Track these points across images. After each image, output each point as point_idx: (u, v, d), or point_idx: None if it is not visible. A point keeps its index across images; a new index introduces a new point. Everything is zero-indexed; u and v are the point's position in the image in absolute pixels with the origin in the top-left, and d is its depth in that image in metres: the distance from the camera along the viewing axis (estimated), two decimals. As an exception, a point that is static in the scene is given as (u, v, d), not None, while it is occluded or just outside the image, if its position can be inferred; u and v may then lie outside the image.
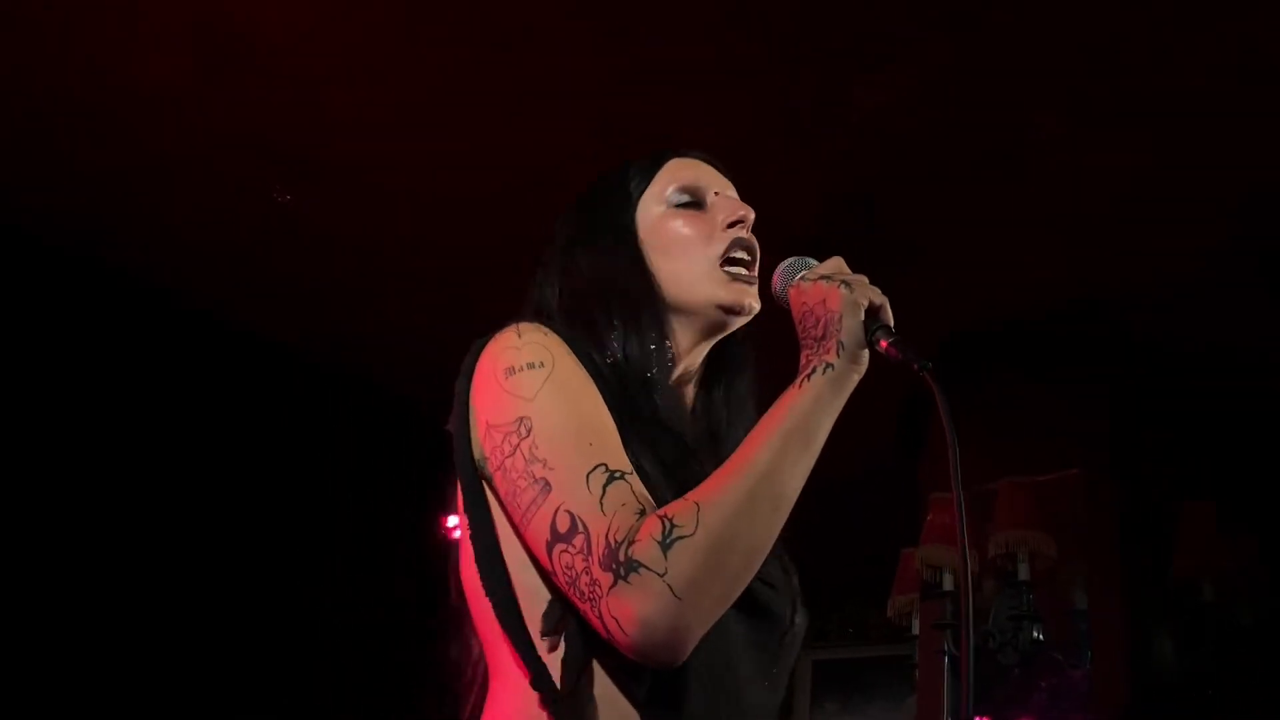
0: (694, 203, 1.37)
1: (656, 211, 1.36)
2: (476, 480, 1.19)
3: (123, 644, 3.75)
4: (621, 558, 1.00)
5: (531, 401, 1.12)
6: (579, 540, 1.03)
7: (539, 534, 1.07)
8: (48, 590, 3.60)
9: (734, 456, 1.09)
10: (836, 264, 1.23)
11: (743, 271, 1.33)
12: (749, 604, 1.12)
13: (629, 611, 0.99)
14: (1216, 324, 3.98)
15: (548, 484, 1.07)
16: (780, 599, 1.21)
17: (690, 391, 1.38)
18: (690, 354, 1.35)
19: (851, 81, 3.03)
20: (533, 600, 1.13)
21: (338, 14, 3.03)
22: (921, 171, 3.31)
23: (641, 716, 1.07)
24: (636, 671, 1.06)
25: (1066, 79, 3.06)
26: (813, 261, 1.26)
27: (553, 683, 1.09)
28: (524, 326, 1.20)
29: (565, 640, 1.10)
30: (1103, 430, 3.91)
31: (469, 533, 1.19)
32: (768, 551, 1.06)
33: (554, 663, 1.10)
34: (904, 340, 1.12)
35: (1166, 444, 4.19)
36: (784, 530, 1.09)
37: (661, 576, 0.99)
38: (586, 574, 1.02)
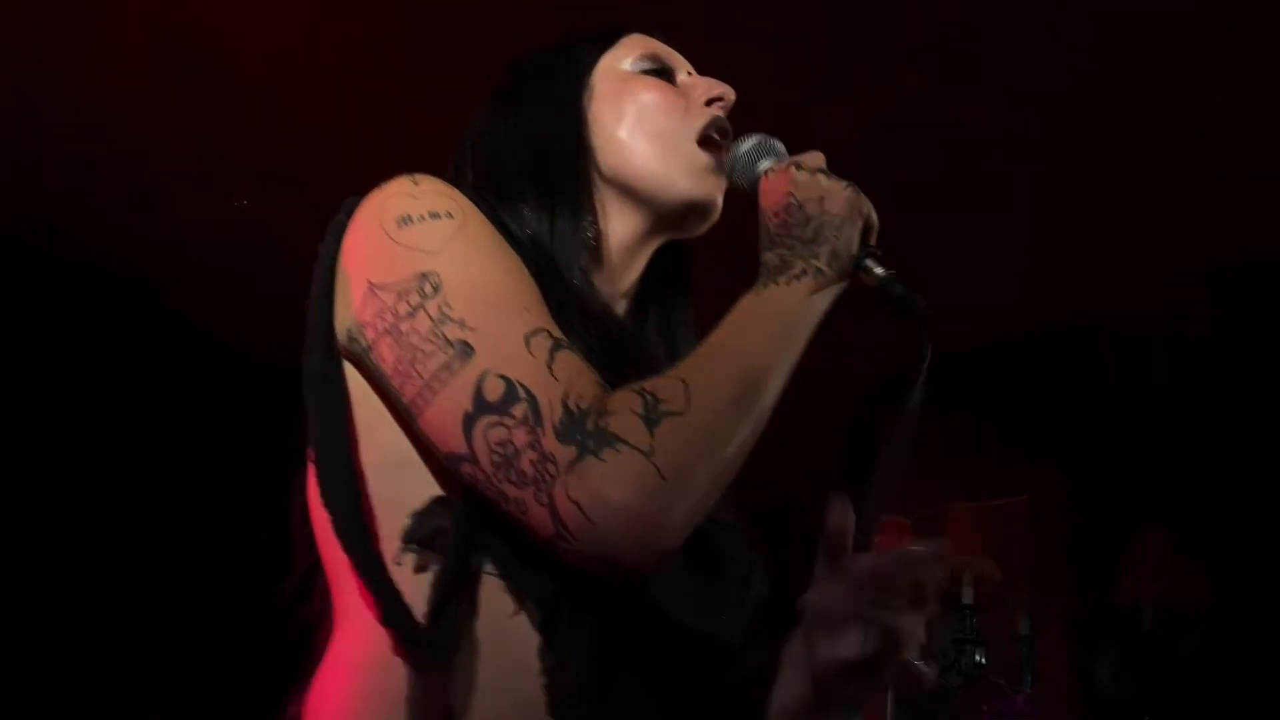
0: (663, 71, 1.13)
1: (617, 72, 1.12)
2: (332, 364, 0.93)
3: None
4: (590, 427, 0.80)
5: (436, 254, 0.89)
6: (520, 409, 0.81)
7: (452, 405, 0.83)
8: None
9: (713, 341, 0.90)
10: (819, 159, 1.04)
11: (717, 160, 1.09)
12: (695, 549, 0.90)
13: (601, 492, 0.78)
14: (1170, 354, 4.06)
15: (468, 346, 0.84)
16: (736, 545, 1.01)
17: (621, 307, 1.12)
18: (629, 256, 1.11)
19: (810, 113, 3.06)
20: (391, 512, 0.89)
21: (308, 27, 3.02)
22: (882, 199, 3.34)
23: (537, 666, 0.85)
24: (539, 600, 0.85)
25: (1026, 113, 3.11)
26: (780, 145, 1.08)
27: (408, 615, 0.85)
28: (420, 175, 0.97)
29: (440, 555, 0.86)
30: (1054, 457, 3.96)
31: (313, 434, 0.94)
32: (746, 454, 0.86)
33: (413, 590, 0.86)
34: (900, 276, 0.97)
35: (1117, 472, 4.25)
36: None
37: (646, 456, 0.79)
38: (533, 449, 0.80)
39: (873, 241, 1.00)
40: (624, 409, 0.81)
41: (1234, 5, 2.71)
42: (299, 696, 0.93)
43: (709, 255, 1.23)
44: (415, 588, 0.86)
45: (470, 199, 0.96)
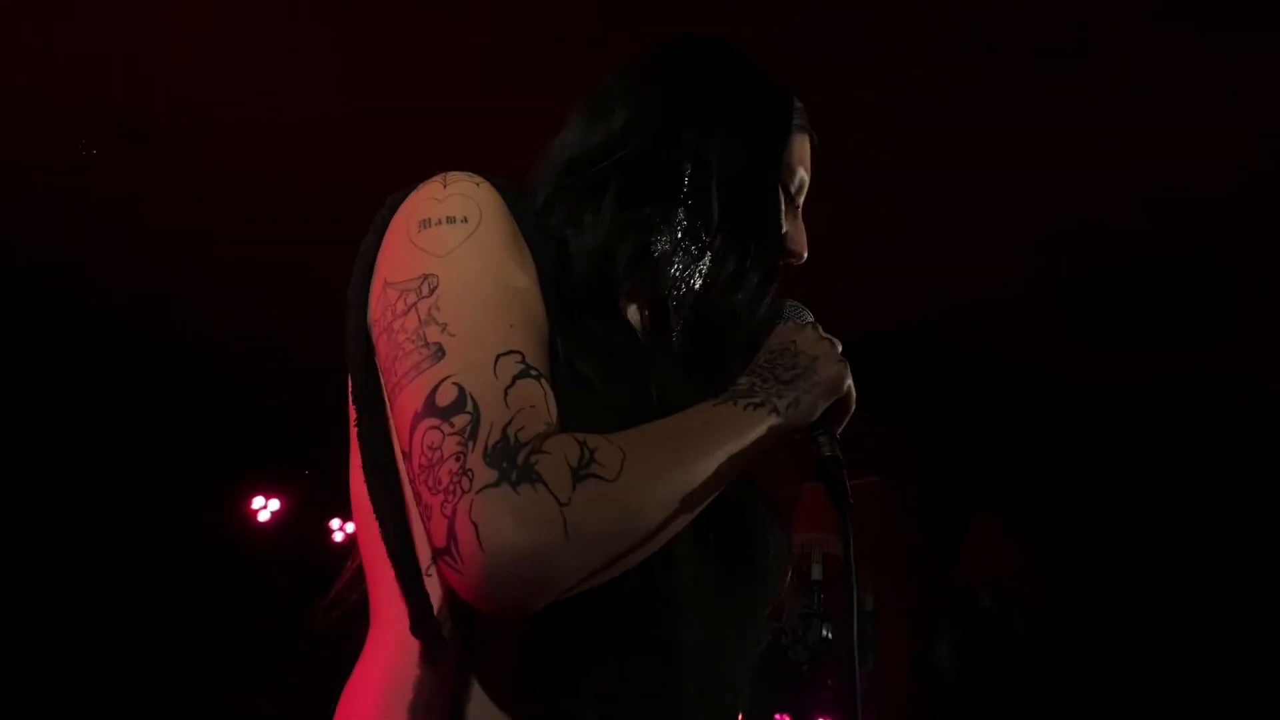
0: (790, 199, 1.16)
1: (786, 178, 1.15)
2: (369, 360, 0.94)
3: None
4: (519, 460, 0.78)
5: (442, 258, 0.90)
6: (461, 420, 0.80)
7: (408, 404, 0.84)
8: None
9: (661, 428, 0.90)
10: (837, 344, 1.07)
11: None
12: (717, 521, 0.93)
13: (501, 523, 0.76)
14: (1020, 347, 4.23)
15: (441, 350, 0.84)
16: (756, 519, 1.03)
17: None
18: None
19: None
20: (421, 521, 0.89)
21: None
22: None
23: (539, 669, 0.87)
24: (559, 606, 0.83)
25: (891, 114, 3.19)
26: (811, 316, 1.12)
27: (435, 626, 0.87)
28: (453, 175, 0.96)
29: None
30: (905, 442, 4.10)
31: (356, 431, 0.96)
32: (649, 550, 0.86)
33: (440, 599, 0.88)
34: (841, 465, 1.01)
35: (963, 458, 4.42)
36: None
37: (560, 505, 0.78)
38: (457, 460, 0.79)
39: (843, 423, 1.04)
40: (558, 453, 0.80)
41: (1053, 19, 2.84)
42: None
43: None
44: (444, 597, 0.88)
45: (512, 190, 0.97)
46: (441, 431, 0.80)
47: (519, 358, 0.85)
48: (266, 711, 4.22)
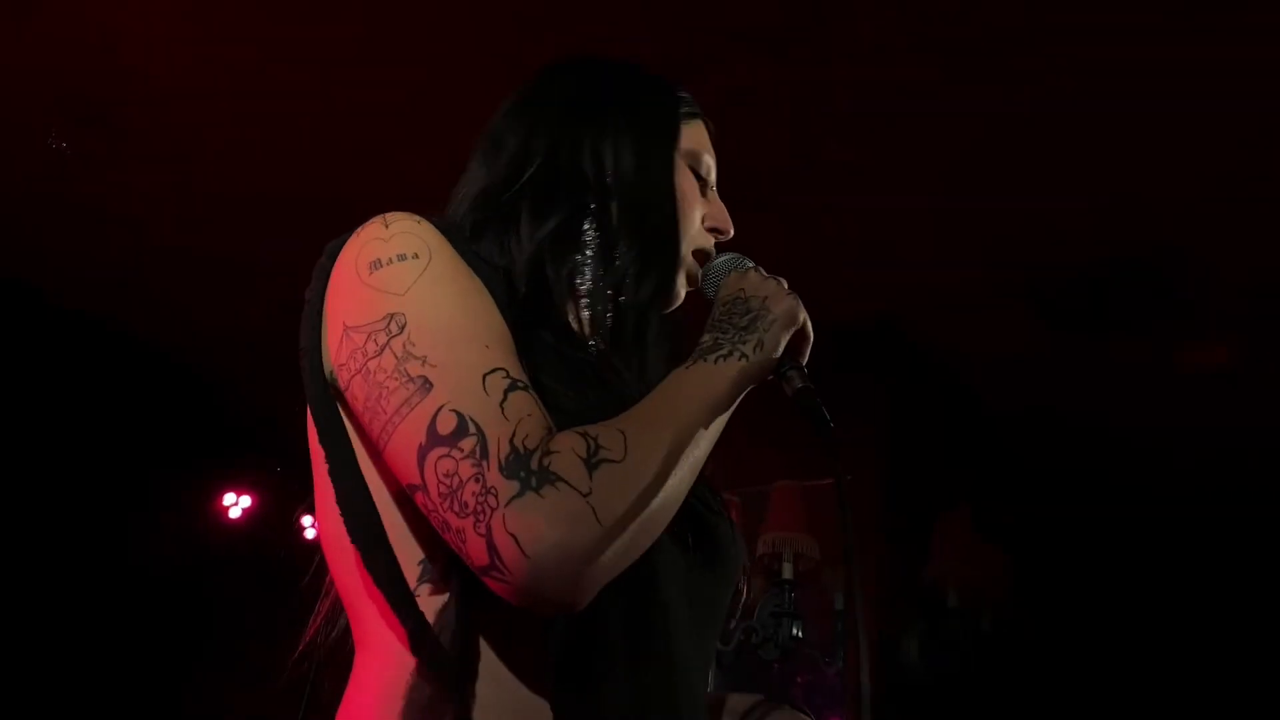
0: (702, 181, 1.21)
1: (686, 165, 1.19)
2: (330, 404, 0.98)
3: None
4: (534, 465, 0.82)
5: (403, 296, 0.92)
6: (469, 443, 0.83)
7: (408, 439, 0.86)
8: None
9: (648, 403, 0.94)
10: (782, 280, 1.11)
11: (696, 275, 1.18)
12: (693, 530, 0.99)
13: (537, 528, 0.80)
14: (985, 344, 4.27)
15: (428, 382, 0.87)
16: (723, 526, 1.06)
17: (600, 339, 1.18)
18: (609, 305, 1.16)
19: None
20: (407, 543, 0.93)
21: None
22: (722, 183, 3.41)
23: (552, 683, 0.89)
24: (546, 623, 0.88)
25: (858, 117, 3.23)
26: (750, 262, 1.16)
27: (436, 642, 0.89)
28: (392, 216, 0.99)
29: (459, 581, 0.89)
30: (873, 440, 4.12)
31: (325, 469, 0.98)
32: (668, 518, 0.90)
33: (438, 617, 0.90)
34: (815, 393, 1.03)
35: (932, 456, 4.45)
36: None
37: (584, 496, 0.82)
38: (477, 481, 0.82)
39: (806, 354, 1.08)
40: (567, 450, 0.84)
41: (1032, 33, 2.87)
42: None
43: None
44: (434, 615, 0.90)
45: (446, 226, 1.00)
46: (453, 458, 0.83)
47: (504, 373, 0.88)
48: (237, 710, 4.21)
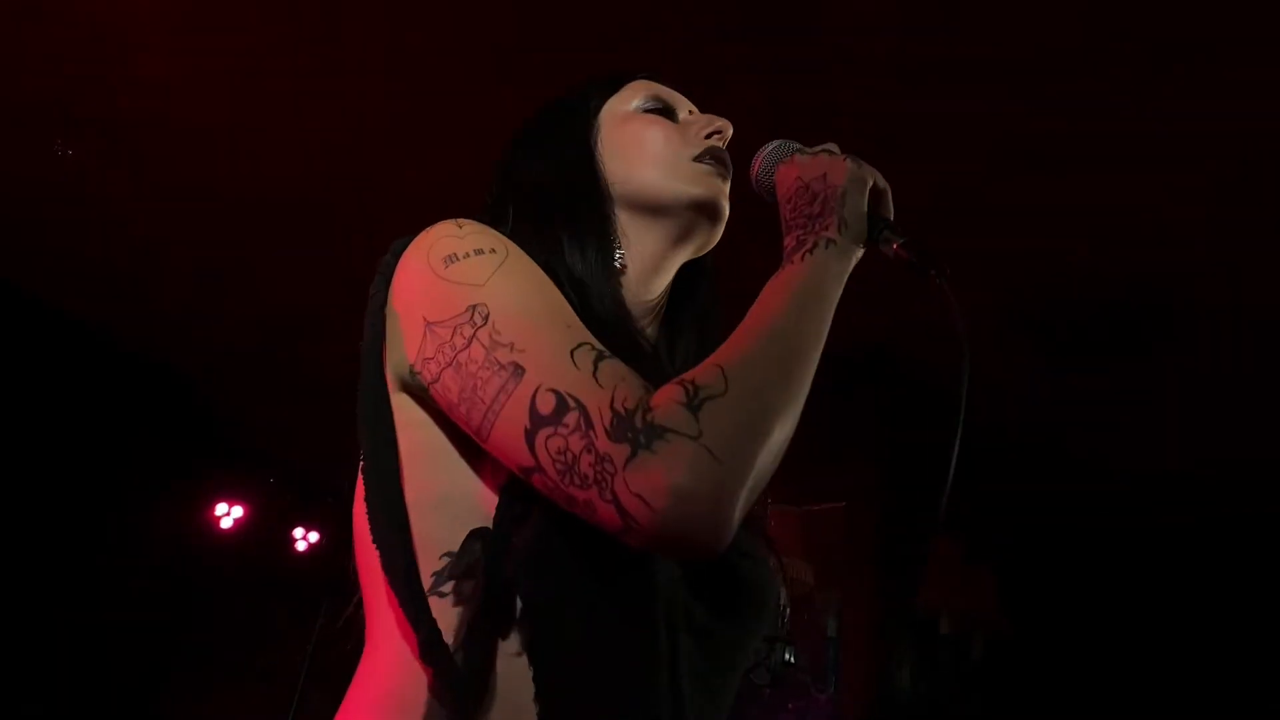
0: (665, 110, 1.22)
1: (622, 113, 1.21)
2: (382, 401, 0.99)
3: None
4: (639, 424, 0.84)
5: (483, 287, 0.94)
6: (572, 418, 0.85)
7: (513, 424, 0.88)
8: None
9: (742, 325, 0.94)
10: (831, 146, 1.10)
11: (717, 170, 1.17)
12: (723, 582, 0.98)
13: (659, 481, 0.81)
14: (982, 372, 4.27)
15: (519, 367, 0.89)
16: (759, 570, 1.05)
17: (652, 328, 1.20)
18: (653, 274, 1.18)
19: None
20: (433, 552, 0.94)
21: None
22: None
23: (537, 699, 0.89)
24: (530, 645, 0.89)
25: (854, 138, 3.23)
26: (797, 145, 1.13)
27: (445, 648, 0.90)
28: (462, 219, 1.01)
29: (480, 583, 0.91)
30: (868, 468, 4.12)
31: (363, 467, 0.99)
32: (796, 422, 0.90)
33: (446, 624, 0.91)
34: (916, 241, 1.01)
35: (926, 484, 4.45)
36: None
37: (695, 439, 0.83)
38: (589, 452, 0.84)
39: (889, 206, 1.06)
40: (668, 401, 0.85)
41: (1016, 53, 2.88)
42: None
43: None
44: (448, 622, 0.91)
45: (508, 237, 1.01)
46: (561, 435, 0.85)
47: (589, 346, 0.90)
48: (227, 717, 4.19)
